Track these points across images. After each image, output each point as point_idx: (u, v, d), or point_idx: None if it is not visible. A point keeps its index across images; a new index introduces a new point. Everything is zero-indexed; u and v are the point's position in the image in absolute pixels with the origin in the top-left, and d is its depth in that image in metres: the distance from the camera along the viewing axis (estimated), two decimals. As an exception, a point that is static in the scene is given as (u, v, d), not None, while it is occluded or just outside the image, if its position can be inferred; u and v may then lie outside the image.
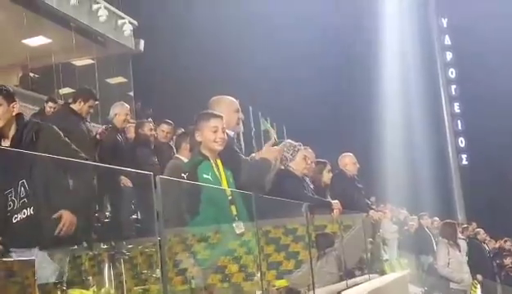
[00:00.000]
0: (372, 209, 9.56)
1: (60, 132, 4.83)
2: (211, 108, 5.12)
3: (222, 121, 4.81)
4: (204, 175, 4.60)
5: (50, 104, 11.60)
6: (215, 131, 4.72)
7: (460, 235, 12.71)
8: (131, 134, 9.31)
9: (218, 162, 4.77)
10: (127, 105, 8.99)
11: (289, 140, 6.77)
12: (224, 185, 4.69)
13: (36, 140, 4.55)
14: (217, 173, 4.70)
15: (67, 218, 4.48)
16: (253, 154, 5.82)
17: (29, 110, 16.41)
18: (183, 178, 4.55)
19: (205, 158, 4.71)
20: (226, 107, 5.20)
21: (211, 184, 4.59)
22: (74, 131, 7.38)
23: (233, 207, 4.60)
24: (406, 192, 23.98)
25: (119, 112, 8.65)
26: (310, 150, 7.25)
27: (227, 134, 4.96)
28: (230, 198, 4.64)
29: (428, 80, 33.56)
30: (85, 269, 5.66)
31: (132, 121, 10.28)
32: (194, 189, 4.47)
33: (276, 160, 5.25)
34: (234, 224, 4.56)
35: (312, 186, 7.12)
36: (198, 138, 4.78)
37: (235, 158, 4.98)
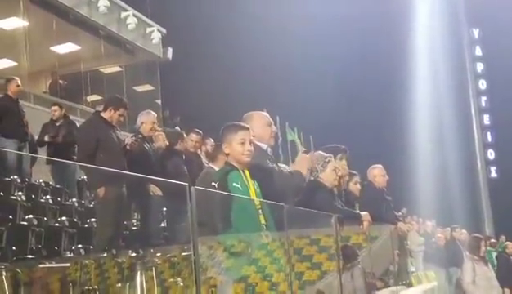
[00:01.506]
0: (400, 221, 9.49)
1: None
2: (248, 123, 5.15)
3: (249, 132, 4.85)
4: (234, 184, 4.64)
5: (54, 107, 11.58)
6: (242, 143, 4.76)
7: (487, 249, 12.59)
8: (159, 142, 9.34)
9: (246, 172, 4.80)
10: (153, 113, 8.99)
11: (320, 152, 6.75)
12: (252, 195, 4.73)
13: None
14: (245, 182, 4.74)
15: None
16: (283, 166, 5.83)
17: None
18: (214, 187, 4.61)
19: (234, 168, 4.75)
20: (259, 122, 5.27)
21: (240, 193, 4.63)
22: (105, 139, 7.47)
23: (261, 217, 4.64)
24: (435, 204, 23.89)
25: (146, 120, 8.67)
26: (344, 162, 7.28)
27: (260, 147, 5.00)
28: (258, 207, 4.67)
29: (458, 91, 33.27)
30: (114, 276, 5.71)
31: (159, 129, 10.34)
32: (227, 198, 4.53)
33: (308, 170, 5.28)
34: (262, 234, 4.59)
35: (343, 198, 7.11)
36: (226, 150, 4.83)
37: (267, 171, 5.00)
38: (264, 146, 5.24)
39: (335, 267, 5.66)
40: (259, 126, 5.15)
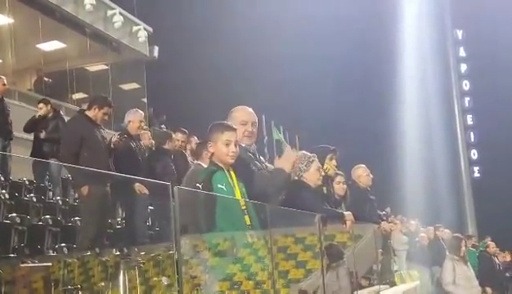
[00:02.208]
0: (384, 220, 9.56)
1: None
2: (228, 118, 5.14)
3: (236, 134, 4.82)
4: (219, 185, 4.60)
5: (39, 105, 11.38)
6: (227, 145, 4.72)
7: (468, 248, 12.69)
8: (144, 141, 9.35)
9: (232, 172, 4.77)
10: (141, 112, 9.00)
11: (304, 151, 6.77)
12: (237, 195, 4.70)
13: None
14: (231, 183, 4.70)
15: None
16: (266, 165, 5.81)
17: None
18: (198, 188, 4.57)
19: (219, 168, 4.71)
20: (235, 119, 5.20)
21: (225, 194, 4.59)
22: (89, 138, 7.46)
23: (247, 217, 4.61)
24: (420, 203, 24.00)
25: (133, 119, 8.68)
26: (334, 162, 7.31)
27: (240, 145, 4.97)
28: (244, 208, 4.64)
29: (443, 92, 33.47)
30: (98, 274, 5.71)
31: (145, 128, 10.34)
32: (211, 198, 4.50)
33: (294, 167, 5.26)
34: (247, 234, 4.58)
35: (332, 198, 7.16)
36: (210, 149, 4.79)
37: (247, 169, 5.00)
38: (244, 144, 5.19)
39: (319, 265, 5.70)
40: (234, 124, 5.06)
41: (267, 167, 5.58)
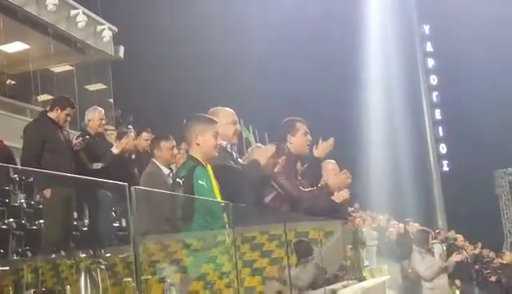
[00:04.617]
0: (352, 216, 9.56)
1: None
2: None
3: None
4: (200, 182, 4.45)
5: None
6: (215, 137, 4.64)
7: (435, 241, 12.77)
8: (113, 142, 9.19)
9: (209, 167, 4.66)
10: (100, 109, 8.80)
11: (258, 144, 6.77)
12: (216, 192, 4.61)
13: None
14: (210, 178, 4.59)
15: None
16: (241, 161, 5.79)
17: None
18: (179, 183, 4.45)
19: (198, 163, 4.56)
20: (225, 118, 5.20)
21: (206, 190, 4.48)
22: (52, 139, 7.36)
23: (225, 215, 4.52)
24: (389, 198, 24.19)
25: (92, 117, 8.55)
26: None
27: (221, 145, 4.94)
28: (223, 205, 4.56)
29: (410, 86, 33.79)
30: (63, 277, 5.63)
31: (111, 128, 10.19)
32: (187, 197, 4.41)
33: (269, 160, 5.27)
34: (225, 232, 4.52)
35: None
36: (197, 140, 4.61)
37: (227, 170, 4.96)
38: (224, 143, 5.16)
39: (293, 261, 5.71)
40: (224, 124, 5.09)
41: (241, 164, 5.57)
